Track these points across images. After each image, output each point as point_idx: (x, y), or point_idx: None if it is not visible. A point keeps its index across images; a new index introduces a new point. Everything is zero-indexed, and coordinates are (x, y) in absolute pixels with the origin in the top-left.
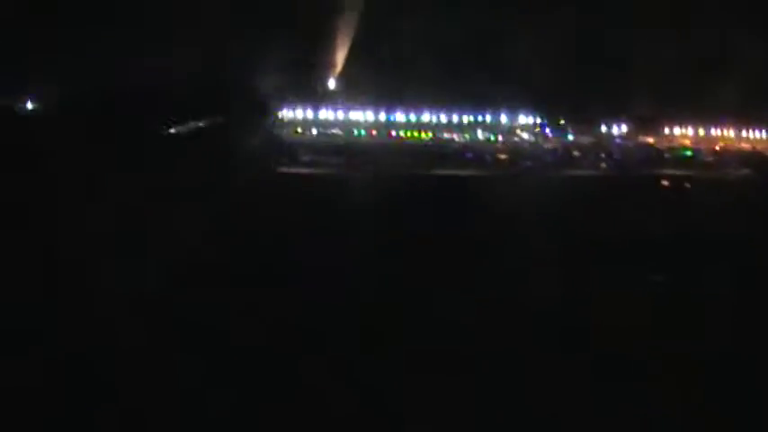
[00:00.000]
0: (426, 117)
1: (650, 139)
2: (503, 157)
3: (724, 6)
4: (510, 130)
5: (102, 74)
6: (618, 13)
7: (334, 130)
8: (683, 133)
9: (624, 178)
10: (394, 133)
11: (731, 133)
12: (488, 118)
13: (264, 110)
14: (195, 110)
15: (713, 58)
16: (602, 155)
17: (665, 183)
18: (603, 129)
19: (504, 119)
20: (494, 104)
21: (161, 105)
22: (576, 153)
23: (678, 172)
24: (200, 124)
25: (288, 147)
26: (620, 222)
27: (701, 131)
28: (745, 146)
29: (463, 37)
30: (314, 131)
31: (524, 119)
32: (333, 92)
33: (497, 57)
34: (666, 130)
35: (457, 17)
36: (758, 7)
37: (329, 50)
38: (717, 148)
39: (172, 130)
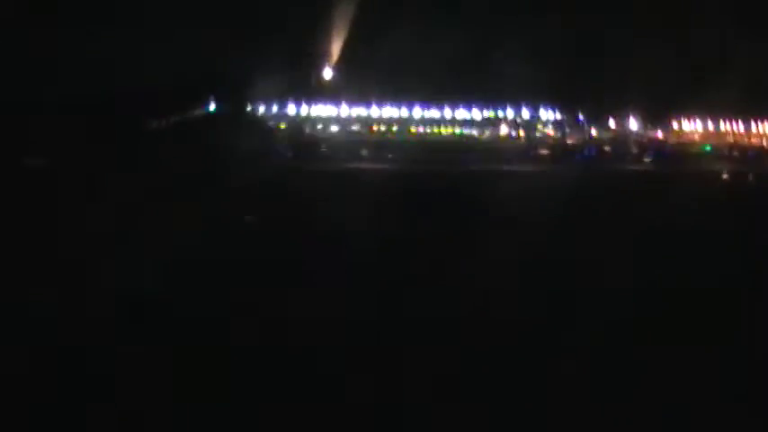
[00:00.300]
0: (447, 113)
1: (660, 134)
2: (544, 152)
3: (731, 5)
4: (531, 126)
5: (99, 71)
6: (625, 10)
7: (354, 127)
8: (692, 128)
9: (675, 173)
10: (414, 129)
11: (740, 128)
12: (509, 113)
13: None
14: (202, 105)
15: (721, 53)
16: (635, 150)
17: (726, 176)
18: (612, 124)
19: (525, 114)
20: (513, 100)
21: (166, 101)
22: (606, 148)
23: (721, 167)
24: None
25: (310, 144)
26: (692, 218)
27: (710, 126)
28: (755, 141)
29: (481, 32)
30: (334, 129)
31: (545, 114)
32: (350, 88)
33: (515, 52)
34: (675, 125)
35: (474, 12)
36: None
37: (345, 46)
38: (754, 142)
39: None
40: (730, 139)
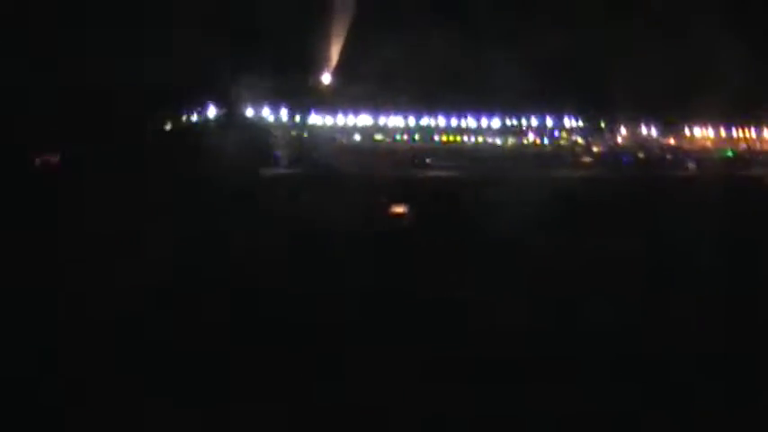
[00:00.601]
0: (469, 122)
1: (671, 141)
2: (586, 159)
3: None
4: (556, 134)
5: (100, 73)
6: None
7: (377, 136)
8: (703, 134)
9: (723, 179)
10: (437, 138)
11: (751, 133)
12: (533, 122)
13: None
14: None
15: (730, 60)
16: (669, 156)
17: None
18: (624, 131)
19: (549, 123)
20: (535, 108)
21: (165, 106)
22: (641, 155)
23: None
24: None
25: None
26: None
27: (722, 132)
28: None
29: (502, 41)
30: (356, 137)
31: (568, 122)
32: (369, 97)
33: (535, 60)
34: (686, 132)
35: (495, 19)
36: None
37: (363, 56)
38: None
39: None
40: (743, 144)
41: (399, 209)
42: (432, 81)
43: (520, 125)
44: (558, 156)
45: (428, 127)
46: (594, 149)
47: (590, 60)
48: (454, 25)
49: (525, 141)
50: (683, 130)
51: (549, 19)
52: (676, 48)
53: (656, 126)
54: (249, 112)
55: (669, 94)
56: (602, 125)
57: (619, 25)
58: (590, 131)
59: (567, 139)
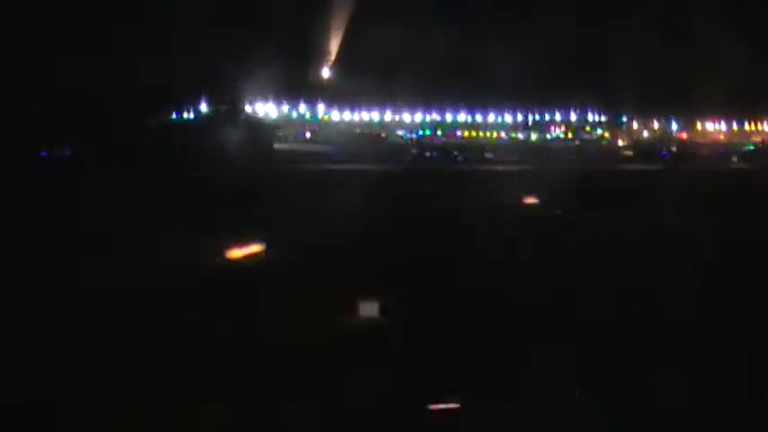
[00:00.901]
0: (491, 117)
1: (683, 135)
2: (628, 153)
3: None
4: (580, 129)
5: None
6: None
7: (399, 132)
8: (715, 129)
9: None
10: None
11: (765, 127)
12: (557, 116)
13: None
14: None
15: (745, 55)
16: (700, 150)
17: None
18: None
19: (573, 117)
20: (559, 103)
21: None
22: (672, 148)
23: None
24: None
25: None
26: None
27: (734, 126)
28: None
29: (523, 37)
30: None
31: (592, 117)
32: (390, 94)
33: (558, 56)
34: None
35: (518, 16)
36: None
37: (383, 52)
38: None
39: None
40: (757, 138)
41: (531, 199)
42: (452, 76)
43: (542, 120)
44: (594, 150)
45: (450, 122)
46: (621, 143)
47: (615, 56)
48: (474, 19)
49: (549, 136)
50: (700, 124)
51: (570, 13)
52: (696, 45)
53: (676, 121)
54: (260, 109)
55: (686, 90)
56: (625, 120)
57: (626, 25)
58: (615, 126)
59: (593, 133)
